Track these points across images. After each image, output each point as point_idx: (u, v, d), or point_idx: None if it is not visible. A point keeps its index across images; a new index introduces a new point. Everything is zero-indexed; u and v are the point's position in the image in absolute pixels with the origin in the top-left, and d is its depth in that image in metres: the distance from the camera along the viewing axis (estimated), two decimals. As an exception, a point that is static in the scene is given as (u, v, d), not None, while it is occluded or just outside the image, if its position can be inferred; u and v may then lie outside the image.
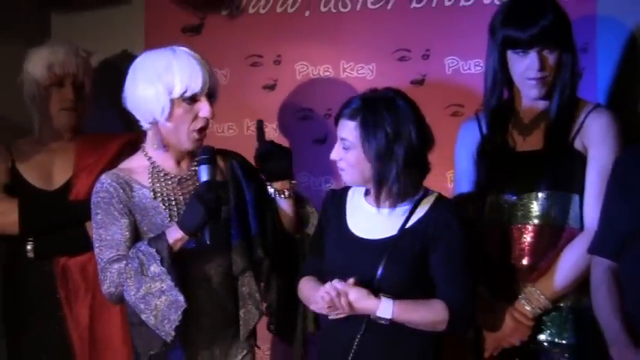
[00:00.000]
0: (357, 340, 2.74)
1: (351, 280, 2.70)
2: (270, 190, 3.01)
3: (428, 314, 2.72)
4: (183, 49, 2.89)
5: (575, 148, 2.94)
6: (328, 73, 3.61)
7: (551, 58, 2.92)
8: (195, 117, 2.85)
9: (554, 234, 2.94)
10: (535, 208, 2.96)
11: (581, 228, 2.92)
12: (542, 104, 2.99)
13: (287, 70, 3.65)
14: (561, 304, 2.93)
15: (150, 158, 2.92)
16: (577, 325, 2.92)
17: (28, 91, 3.39)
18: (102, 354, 3.32)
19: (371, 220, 2.83)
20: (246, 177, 3.03)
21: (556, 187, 2.95)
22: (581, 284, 2.86)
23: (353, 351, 2.74)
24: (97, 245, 2.85)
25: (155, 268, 2.74)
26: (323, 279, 2.85)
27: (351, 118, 2.75)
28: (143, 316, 2.76)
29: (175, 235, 2.76)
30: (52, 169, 3.41)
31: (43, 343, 3.33)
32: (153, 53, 2.90)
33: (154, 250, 2.75)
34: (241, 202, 2.98)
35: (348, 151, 2.77)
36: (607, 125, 2.93)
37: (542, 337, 2.94)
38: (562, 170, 2.95)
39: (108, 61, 3.72)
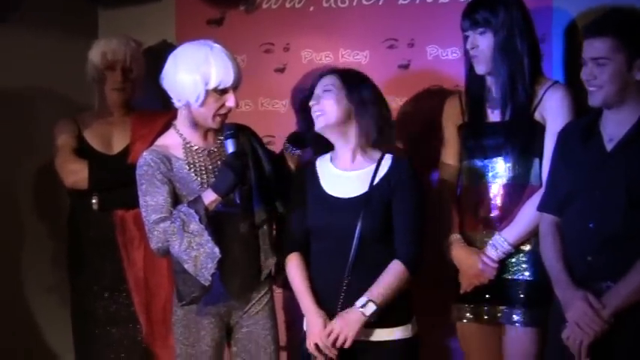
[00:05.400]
0: (345, 282, 2.98)
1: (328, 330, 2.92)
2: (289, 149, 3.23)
3: (395, 281, 2.96)
4: (218, 46, 3.09)
5: (535, 118, 3.16)
6: (329, 59, 3.81)
7: (481, 40, 3.16)
8: (222, 105, 3.09)
9: (519, 190, 3.19)
10: (503, 169, 3.21)
11: (541, 185, 3.15)
12: None
13: (294, 56, 3.87)
14: (523, 248, 3.18)
15: (182, 135, 3.15)
16: (534, 265, 3.17)
17: (89, 73, 3.66)
18: (154, 295, 3.53)
19: (342, 181, 3.07)
20: (262, 149, 3.27)
21: (520, 152, 3.18)
22: (538, 232, 3.08)
23: (343, 291, 2.98)
24: (143, 210, 3.07)
25: (194, 225, 2.97)
26: (307, 243, 3.10)
27: (334, 73, 3.06)
28: (185, 266, 3.00)
29: (210, 197, 3.00)
30: (111, 138, 3.65)
31: (100, 277, 3.60)
32: (193, 45, 3.10)
33: (193, 210, 2.98)
34: (260, 171, 3.21)
35: (328, 94, 3.01)
36: (562, 99, 3.14)
37: (506, 275, 3.20)
38: (525, 138, 3.17)
39: (145, 49, 3.84)
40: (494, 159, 3.22)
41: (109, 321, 3.62)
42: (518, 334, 3.20)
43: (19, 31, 3.78)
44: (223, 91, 3.07)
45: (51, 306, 3.90)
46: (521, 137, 3.17)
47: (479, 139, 3.26)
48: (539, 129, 3.17)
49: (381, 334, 3.01)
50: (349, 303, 2.97)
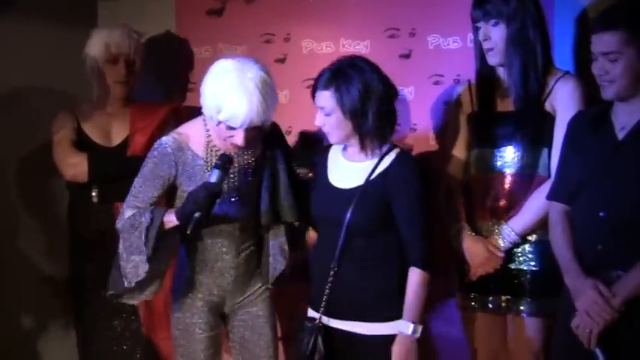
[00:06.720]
0: (332, 272, 3.01)
1: None
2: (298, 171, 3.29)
3: (423, 289, 2.99)
4: (254, 78, 2.90)
5: (546, 109, 3.16)
6: (330, 49, 3.77)
7: (494, 31, 3.15)
8: (232, 135, 2.99)
9: (527, 181, 3.19)
10: (511, 158, 3.21)
11: (549, 176, 3.15)
12: None
13: (295, 46, 3.84)
14: (529, 238, 3.19)
15: (207, 130, 3.08)
16: (540, 255, 3.17)
17: (89, 65, 3.64)
18: None
19: (345, 172, 3.09)
20: (283, 158, 3.22)
21: (529, 141, 3.18)
22: (545, 222, 3.08)
23: (329, 281, 3.03)
24: (132, 186, 3.08)
25: (142, 231, 2.96)
26: None
27: (325, 88, 2.98)
28: (120, 261, 3.02)
29: (170, 218, 2.99)
30: (110, 130, 3.66)
31: (100, 269, 3.44)
32: (230, 65, 2.95)
33: (150, 216, 2.97)
34: (275, 182, 3.17)
35: (329, 117, 3.00)
36: (573, 90, 3.13)
37: (512, 265, 3.21)
38: (535, 128, 3.17)
39: (145, 40, 3.81)
40: (504, 148, 3.22)
41: (111, 313, 3.62)
42: (523, 324, 3.21)
43: (17, 21, 3.76)
44: (232, 127, 2.97)
45: (47, 296, 3.90)
46: (532, 127, 3.17)
47: (489, 128, 3.25)
48: (549, 119, 3.16)
49: (373, 328, 3.02)
50: (334, 292, 3.01)
